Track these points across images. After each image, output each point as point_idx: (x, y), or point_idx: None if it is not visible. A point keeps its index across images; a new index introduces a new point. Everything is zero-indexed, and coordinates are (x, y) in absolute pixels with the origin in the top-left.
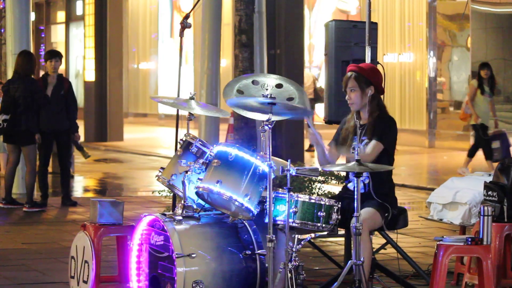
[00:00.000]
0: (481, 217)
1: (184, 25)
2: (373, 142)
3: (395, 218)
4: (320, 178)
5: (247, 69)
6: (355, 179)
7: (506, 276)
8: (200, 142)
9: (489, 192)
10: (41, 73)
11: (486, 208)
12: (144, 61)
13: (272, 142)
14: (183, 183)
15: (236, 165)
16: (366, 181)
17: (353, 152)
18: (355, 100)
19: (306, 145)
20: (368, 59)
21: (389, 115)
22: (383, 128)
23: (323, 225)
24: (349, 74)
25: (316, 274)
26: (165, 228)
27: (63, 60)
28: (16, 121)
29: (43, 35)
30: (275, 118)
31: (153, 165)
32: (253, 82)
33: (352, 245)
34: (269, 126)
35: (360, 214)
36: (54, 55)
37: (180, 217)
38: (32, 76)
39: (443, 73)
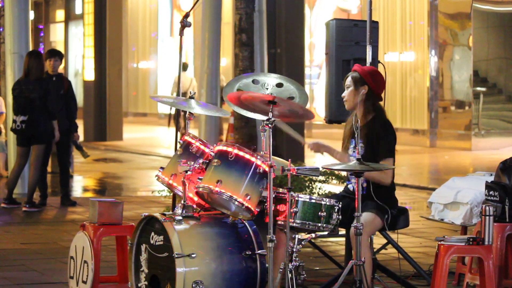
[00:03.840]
0: (483, 217)
1: (184, 24)
2: (386, 161)
3: (396, 218)
4: (320, 178)
5: (248, 68)
6: (356, 179)
7: (507, 277)
8: (200, 142)
9: (491, 192)
10: None
11: (487, 208)
12: (143, 60)
13: (273, 142)
14: (183, 182)
15: (236, 164)
16: (364, 184)
17: (354, 153)
18: (347, 97)
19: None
20: (369, 58)
21: (385, 119)
22: (385, 141)
23: (324, 225)
24: (349, 73)
25: (316, 274)
26: (165, 228)
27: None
28: (35, 122)
29: (42, 34)
30: (275, 117)
31: (152, 164)
32: (253, 81)
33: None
34: (270, 125)
35: (361, 215)
36: (54, 54)
37: (180, 217)
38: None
39: (444, 72)
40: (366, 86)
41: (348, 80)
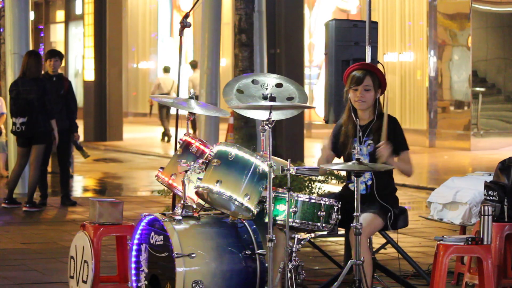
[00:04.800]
0: (482, 216)
1: (184, 25)
2: (406, 154)
3: (395, 218)
4: (320, 177)
5: (247, 68)
6: (356, 179)
7: (506, 276)
8: (200, 142)
9: (490, 192)
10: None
11: (486, 207)
12: (143, 60)
13: (272, 142)
14: (183, 182)
15: (236, 164)
16: (369, 183)
17: (354, 152)
18: (369, 99)
19: (306, 144)
20: (368, 59)
21: (390, 115)
22: (400, 135)
23: (323, 225)
24: (363, 72)
25: (316, 274)
26: (165, 227)
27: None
28: (35, 123)
29: (42, 35)
30: (275, 117)
31: (152, 164)
32: (253, 81)
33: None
34: (269, 125)
35: (360, 215)
36: (54, 54)
37: (180, 217)
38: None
39: (443, 72)
40: (379, 90)
41: (369, 81)
